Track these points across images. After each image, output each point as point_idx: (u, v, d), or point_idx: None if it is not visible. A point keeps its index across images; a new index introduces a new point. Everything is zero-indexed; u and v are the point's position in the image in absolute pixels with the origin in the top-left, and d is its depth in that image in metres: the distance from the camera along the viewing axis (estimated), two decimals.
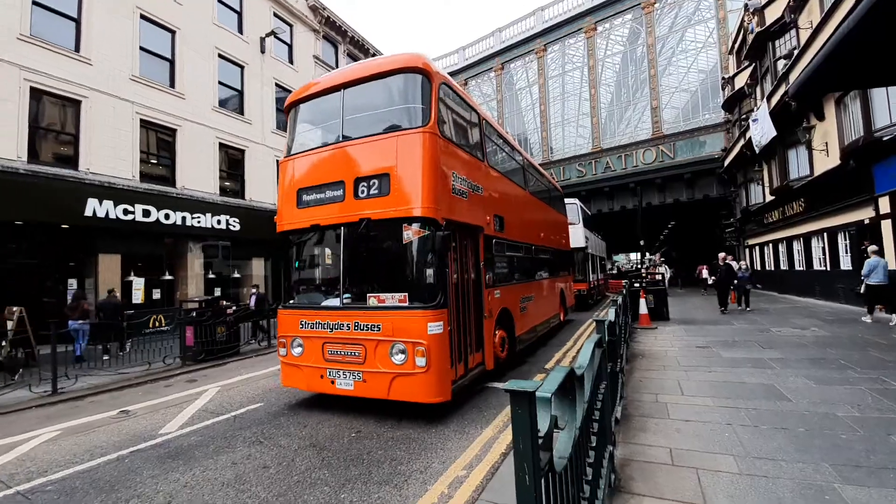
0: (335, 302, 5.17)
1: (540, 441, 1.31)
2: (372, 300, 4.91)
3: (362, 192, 4.98)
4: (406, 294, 4.73)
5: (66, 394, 6.64)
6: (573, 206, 15.93)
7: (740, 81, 19.37)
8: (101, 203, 11.08)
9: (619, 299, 5.64)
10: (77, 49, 11.26)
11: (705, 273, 20.10)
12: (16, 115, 9.94)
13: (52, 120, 10.94)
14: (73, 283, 11.08)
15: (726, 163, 20.95)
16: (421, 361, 4.43)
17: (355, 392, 4.81)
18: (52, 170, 10.45)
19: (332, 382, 4.95)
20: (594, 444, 2.18)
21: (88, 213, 10.84)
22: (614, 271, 41.07)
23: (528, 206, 8.99)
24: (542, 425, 1.34)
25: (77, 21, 11.34)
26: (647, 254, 40.90)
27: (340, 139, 5.36)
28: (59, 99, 10.88)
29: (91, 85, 11.35)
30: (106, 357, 9.23)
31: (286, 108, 6.13)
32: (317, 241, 5.67)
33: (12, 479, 3.76)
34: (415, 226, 4.71)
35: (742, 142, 18.05)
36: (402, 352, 4.55)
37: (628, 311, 8.26)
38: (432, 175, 4.74)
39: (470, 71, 32.21)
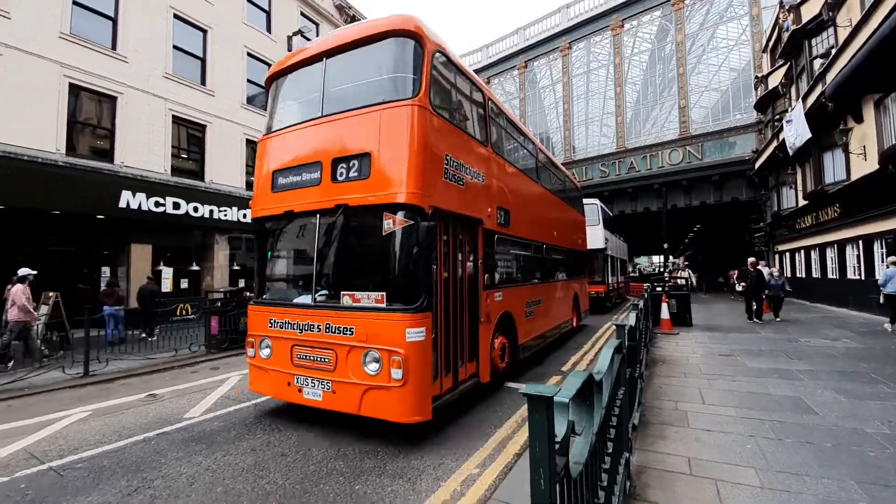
0: (307, 299, 4.59)
1: (556, 446, 1.31)
2: (346, 298, 4.31)
3: (341, 174, 4.42)
4: (384, 293, 4.13)
5: (98, 376, 6.95)
6: (593, 207, 15.67)
7: (774, 81, 18.65)
8: (134, 195, 11.51)
9: (640, 303, 5.55)
10: (114, 47, 11.69)
11: (735, 278, 19.42)
12: (55, 110, 10.40)
13: (90, 115, 11.41)
14: (106, 271, 11.57)
15: (757, 165, 20.24)
16: (397, 373, 3.84)
17: (323, 404, 4.25)
18: (89, 163, 10.90)
19: (300, 391, 4.39)
20: (610, 450, 2.16)
21: (122, 204, 11.28)
22: (636, 274, 40.32)
23: (541, 202, 8.37)
24: (559, 430, 1.34)
25: (114, 20, 11.77)
26: (671, 257, 39.96)
27: (320, 115, 4.78)
28: (96, 95, 11.33)
29: (127, 82, 11.78)
30: (143, 335, 9.81)
31: (266, 82, 5.61)
32: (291, 230, 5.08)
33: (46, 456, 3.97)
34: (399, 214, 4.09)
35: (775, 143, 17.41)
36: (377, 360, 3.97)
37: (649, 315, 8.10)
38: (419, 155, 4.14)
39: (493, 69, 32.04)
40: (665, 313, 10.22)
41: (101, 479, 3.49)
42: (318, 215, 4.55)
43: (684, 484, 3.02)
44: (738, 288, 12.92)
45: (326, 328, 4.29)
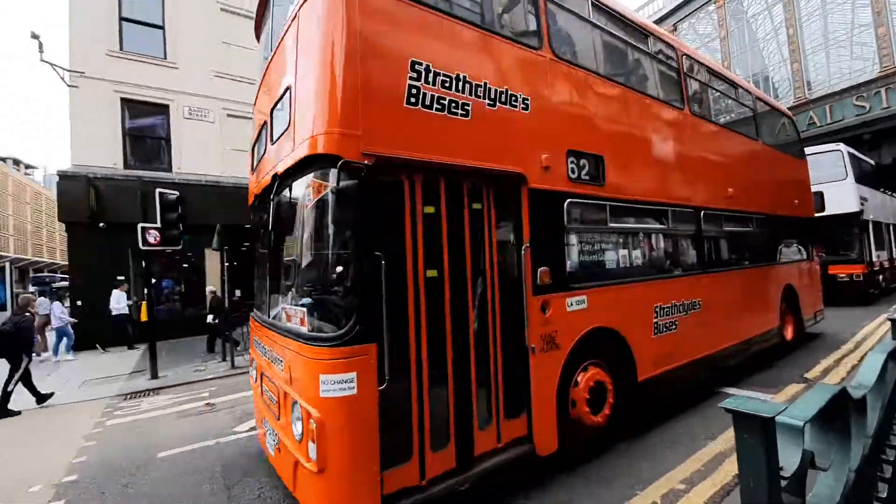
0: (264, 314, 3.56)
1: (784, 482, 1.00)
2: (283, 315, 3.04)
3: (277, 129, 3.15)
4: (304, 310, 2.68)
5: None
6: (835, 154, 11.61)
7: None
8: None
9: None
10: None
11: None
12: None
13: None
14: None
15: None
16: (312, 450, 2.32)
17: (275, 462, 3.06)
18: None
19: (265, 435, 3.28)
20: (884, 495, 1.56)
21: None
22: None
23: (690, 140, 5.06)
24: (788, 463, 1.02)
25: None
26: None
27: (266, 56, 3.65)
28: None
29: None
30: None
31: (257, 39, 4.67)
32: (258, 219, 3.81)
33: None
34: (319, 176, 2.57)
35: None
36: (299, 419, 2.49)
37: None
38: (343, 65, 2.42)
39: (681, 12, 27.12)
40: None
41: None
42: (270, 194, 3.20)
43: None
44: None
45: (271, 356, 3.09)
